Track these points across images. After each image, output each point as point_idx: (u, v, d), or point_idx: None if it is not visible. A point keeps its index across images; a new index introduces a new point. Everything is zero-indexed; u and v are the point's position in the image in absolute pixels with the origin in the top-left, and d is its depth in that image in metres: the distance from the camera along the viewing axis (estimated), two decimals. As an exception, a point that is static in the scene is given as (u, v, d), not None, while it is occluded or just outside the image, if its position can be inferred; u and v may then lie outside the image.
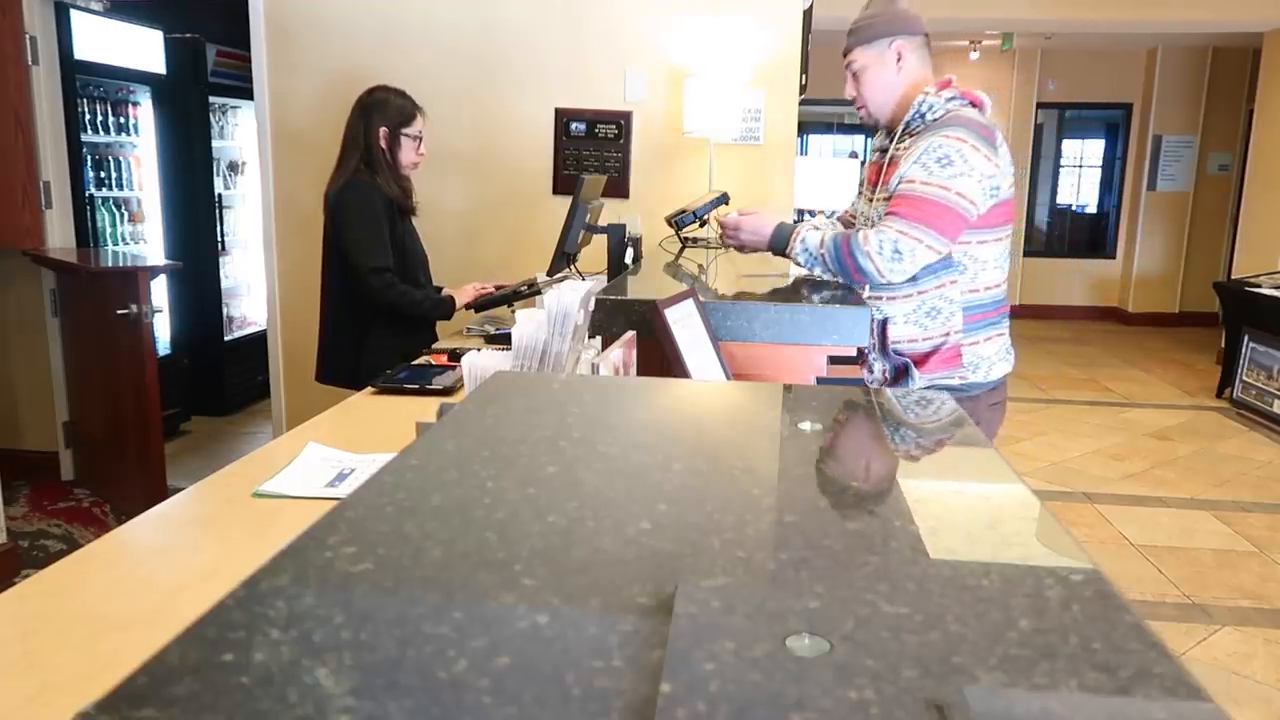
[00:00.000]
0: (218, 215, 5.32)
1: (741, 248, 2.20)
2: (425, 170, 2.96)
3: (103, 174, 4.75)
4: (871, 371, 2.11)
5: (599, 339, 1.61)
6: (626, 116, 3.84)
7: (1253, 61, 8.03)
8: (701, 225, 2.67)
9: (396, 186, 2.76)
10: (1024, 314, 9.53)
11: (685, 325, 1.55)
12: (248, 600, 0.50)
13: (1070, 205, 10.03)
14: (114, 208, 4.83)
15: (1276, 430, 5.43)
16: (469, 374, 1.36)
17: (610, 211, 3.48)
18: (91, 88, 4.59)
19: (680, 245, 2.76)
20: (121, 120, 4.85)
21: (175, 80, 5.01)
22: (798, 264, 2.06)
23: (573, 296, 1.34)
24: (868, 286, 2.03)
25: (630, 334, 1.56)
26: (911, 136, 2.04)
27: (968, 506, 0.74)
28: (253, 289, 5.68)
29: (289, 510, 1.43)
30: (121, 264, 4.04)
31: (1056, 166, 9.86)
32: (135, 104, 4.95)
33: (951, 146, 1.93)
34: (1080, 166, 9.96)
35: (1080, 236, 10.00)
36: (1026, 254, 9.59)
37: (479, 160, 3.92)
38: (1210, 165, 9.02)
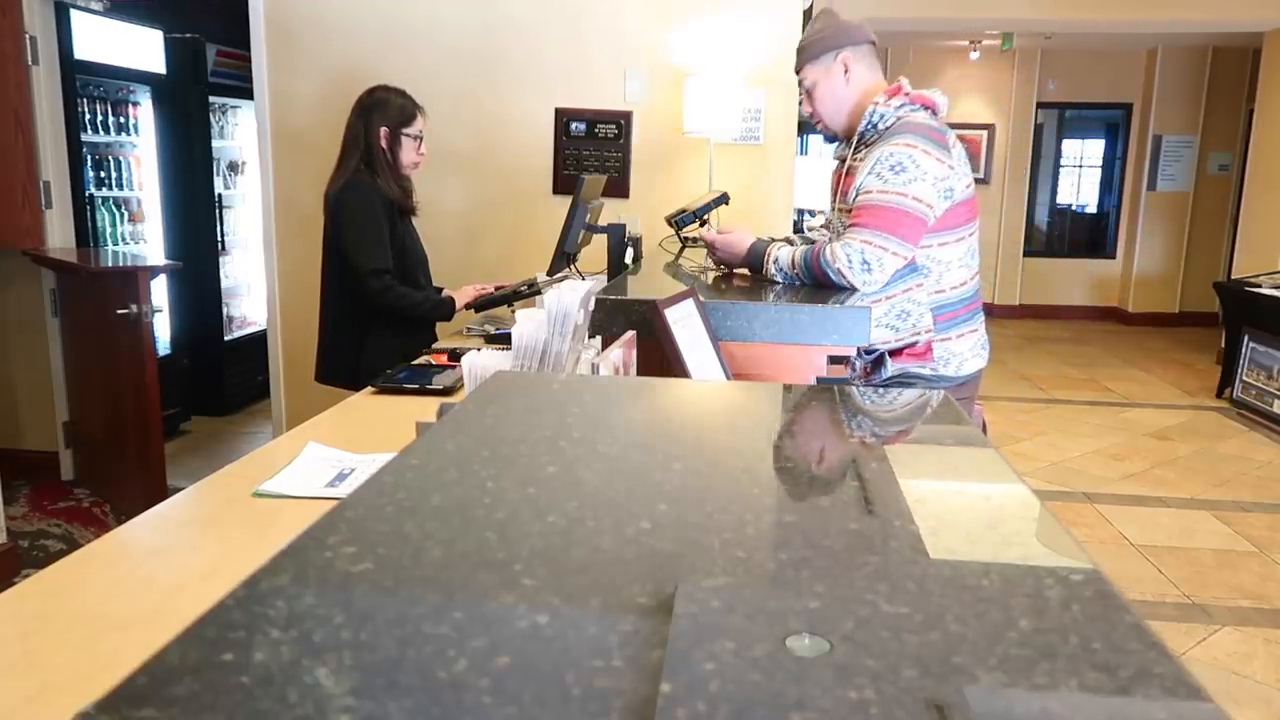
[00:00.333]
0: (218, 215, 5.31)
1: (727, 265, 2.22)
2: (425, 170, 2.96)
3: (103, 174, 4.75)
4: (853, 369, 2.14)
5: (599, 339, 1.61)
6: (626, 116, 3.84)
7: (1253, 61, 8.03)
8: (701, 225, 2.67)
9: (397, 187, 2.75)
10: (1024, 314, 9.53)
11: (685, 325, 1.55)
12: (248, 600, 0.50)
13: (1070, 205, 10.02)
14: (114, 207, 4.83)
15: (1276, 430, 5.43)
16: (469, 374, 1.36)
17: (610, 211, 3.48)
18: (91, 87, 4.59)
19: (680, 245, 2.76)
20: (121, 120, 4.85)
21: (175, 80, 5.01)
22: (776, 281, 2.07)
23: (573, 296, 1.34)
24: None
25: (630, 334, 1.56)
26: (866, 146, 2.09)
27: (968, 506, 0.74)
28: (253, 289, 5.67)
29: (289, 510, 1.43)
30: (121, 264, 4.04)
31: (1056, 166, 9.86)
32: (135, 104, 4.95)
33: (903, 153, 1.97)
34: (1080, 166, 9.96)
35: (1080, 236, 10.00)
36: (1026, 254, 9.60)
37: (479, 160, 3.92)
38: (1210, 165, 9.01)
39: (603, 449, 0.81)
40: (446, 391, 2.13)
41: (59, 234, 4.19)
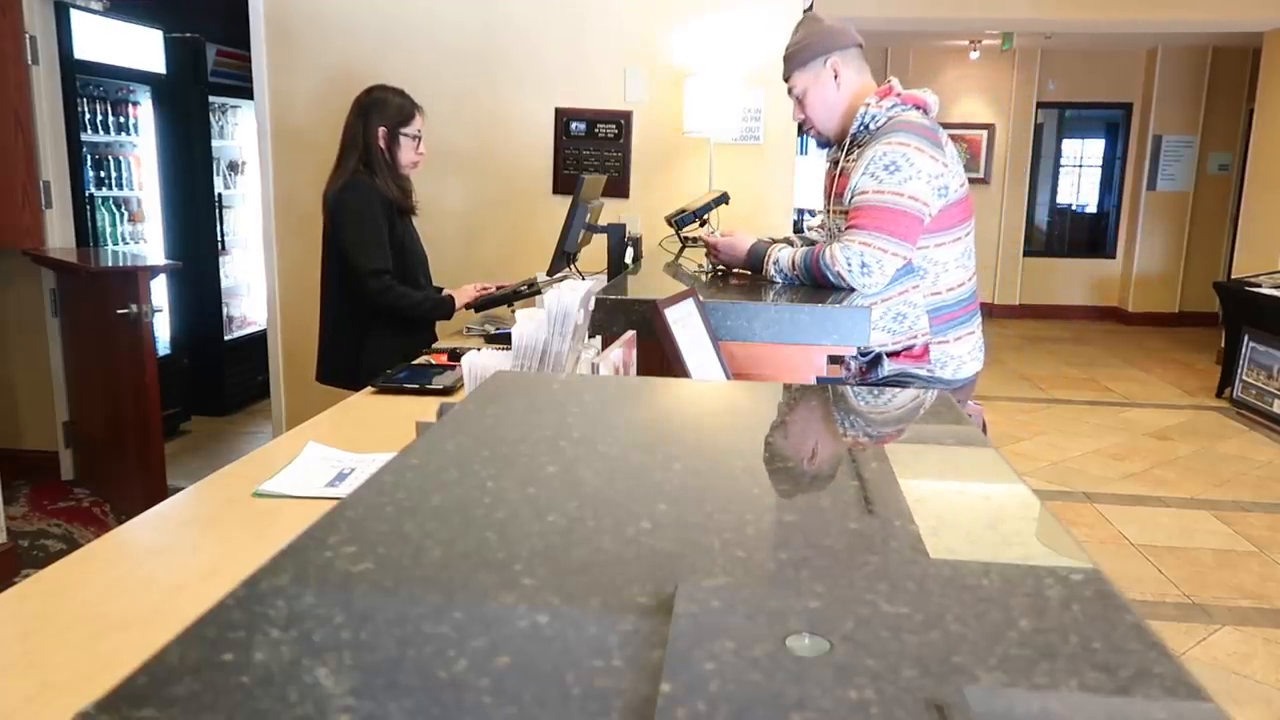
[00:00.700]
0: (217, 215, 5.31)
1: (728, 266, 2.22)
2: (425, 170, 2.96)
3: (103, 174, 4.75)
4: (848, 369, 2.13)
5: (599, 339, 1.61)
6: (626, 116, 3.84)
7: (1253, 61, 8.03)
8: (701, 225, 2.67)
9: (396, 187, 2.75)
10: (1024, 314, 9.53)
11: (685, 325, 1.55)
12: (248, 600, 0.50)
13: (1070, 205, 10.02)
14: (114, 207, 4.83)
15: (1276, 430, 5.43)
16: (469, 374, 1.36)
17: (610, 211, 3.48)
18: (91, 87, 4.59)
19: (680, 245, 2.76)
20: (121, 120, 4.85)
21: (175, 80, 5.00)
22: (776, 282, 2.07)
23: (573, 296, 1.34)
24: None
25: (630, 334, 1.56)
26: (859, 148, 2.08)
27: (968, 506, 0.74)
28: (253, 289, 5.67)
29: (289, 510, 1.43)
30: (121, 264, 4.04)
31: (1056, 166, 9.86)
32: (135, 103, 4.94)
33: (897, 152, 1.96)
34: (1080, 166, 9.95)
35: (1080, 236, 10.00)
36: (1026, 254, 9.60)
37: (479, 160, 3.92)
38: (1210, 165, 9.01)
39: (603, 449, 0.81)
40: (446, 391, 2.13)
41: (59, 234, 4.19)
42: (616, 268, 2.76)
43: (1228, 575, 3.45)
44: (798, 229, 3.83)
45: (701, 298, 1.70)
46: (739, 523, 0.63)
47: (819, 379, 1.75)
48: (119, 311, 3.59)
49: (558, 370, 1.34)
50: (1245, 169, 7.39)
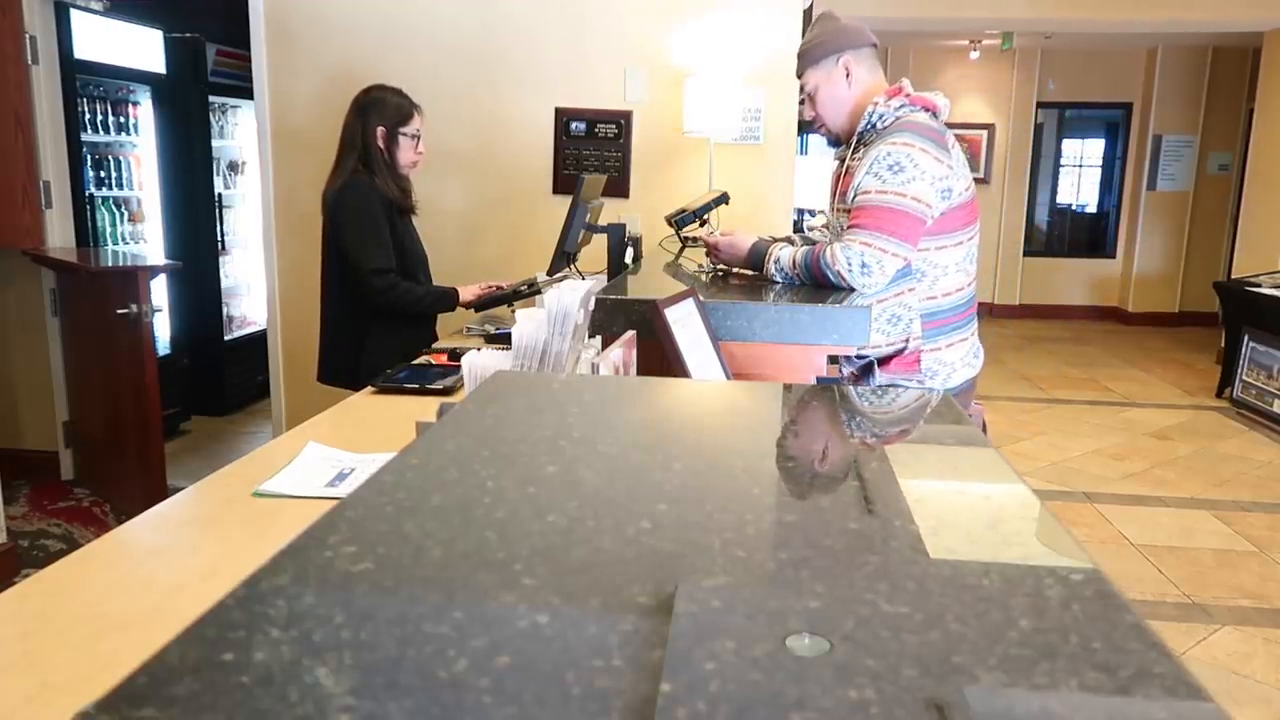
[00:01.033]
0: (217, 215, 5.31)
1: (729, 266, 2.22)
2: (425, 170, 2.96)
3: (103, 173, 4.75)
4: (840, 372, 2.13)
5: (599, 338, 1.61)
6: (626, 116, 3.84)
7: (1253, 61, 8.03)
8: (701, 225, 2.67)
9: (395, 186, 2.75)
10: (1024, 314, 9.53)
11: (685, 325, 1.55)
12: (248, 600, 0.50)
13: (1070, 205, 10.02)
14: (114, 207, 4.83)
15: (1276, 430, 5.43)
16: (469, 374, 1.36)
17: (610, 211, 3.48)
18: (91, 87, 4.59)
19: (680, 245, 2.76)
20: (121, 120, 4.85)
21: (175, 80, 5.00)
22: (776, 282, 2.07)
23: (573, 296, 1.34)
24: None
25: (630, 334, 1.56)
26: (865, 146, 2.07)
27: (968, 506, 0.74)
28: (253, 288, 5.67)
29: (289, 510, 1.43)
30: (121, 263, 4.04)
31: (1056, 166, 9.86)
32: (135, 103, 4.94)
33: (901, 153, 1.96)
34: (1080, 166, 9.95)
35: (1080, 236, 10.00)
36: (1026, 254, 9.60)
37: (479, 159, 3.92)
38: (1210, 165, 9.01)
39: (603, 449, 0.81)
40: (446, 391, 2.13)
41: (59, 234, 4.19)
42: (616, 268, 2.76)
43: (1228, 575, 3.45)
44: (797, 228, 3.84)
45: (701, 298, 1.70)
46: (739, 523, 0.63)
47: (819, 379, 1.75)
48: (119, 311, 3.59)
49: (558, 370, 1.34)
50: (1245, 169, 7.39)
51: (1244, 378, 5.80)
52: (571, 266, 2.66)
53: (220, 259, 5.38)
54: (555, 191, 3.89)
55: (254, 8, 3.86)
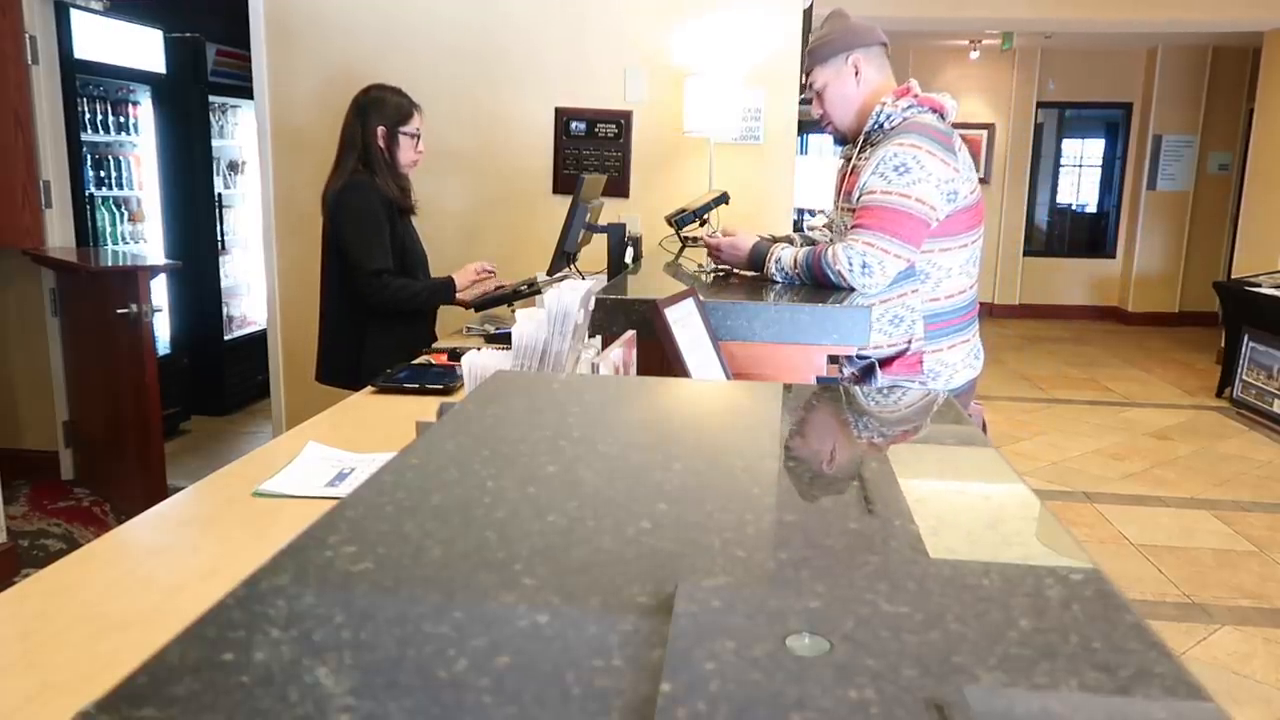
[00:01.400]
0: (217, 214, 5.31)
1: (730, 266, 2.22)
2: (425, 169, 2.95)
3: (103, 173, 4.75)
4: (841, 373, 2.13)
5: (599, 338, 1.61)
6: (626, 116, 3.84)
7: (1253, 61, 8.03)
8: (701, 224, 2.67)
9: (395, 186, 2.75)
10: (1024, 314, 9.53)
11: (685, 325, 1.55)
12: (248, 600, 0.50)
13: (1070, 205, 10.02)
14: (114, 207, 4.83)
15: (1276, 430, 5.43)
16: (469, 373, 1.36)
17: (610, 211, 3.48)
18: (91, 87, 4.59)
19: (680, 245, 2.76)
20: (121, 119, 4.85)
21: (175, 79, 5.00)
22: (776, 281, 2.07)
23: (573, 296, 1.34)
24: None
25: (630, 333, 1.56)
26: (872, 146, 2.07)
27: (968, 506, 0.74)
28: (252, 288, 5.67)
29: (289, 510, 1.43)
30: (121, 263, 4.04)
31: (1056, 166, 9.86)
32: (135, 103, 4.94)
33: (907, 154, 1.95)
34: (1080, 166, 9.95)
35: (1080, 236, 10.00)
36: (1026, 254, 9.60)
37: (479, 159, 3.92)
38: (1210, 165, 9.01)
39: (603, 449, 0.81)
40: (446, 391, 2.13)
41: (59, 233, 4.19)
42: (616, 267, 2.76)
43: (1228, 575, 3.45)
44: (797, 228, 3.83)
45: (701, 298, 1.70)
46: (739, 522, 0.63)
47: (818, 379, 1.74)
48: (119, 311, 3.59)
49: (558, 370, 1.34)
50: (1245, 169, 7.39)
51: (1244, 378, 5.80)
52: (571, 266, 2.66)
53: (220, 259, 5.38)
54: (555, 191, 3.89)
55: (254, 8, 3.86)
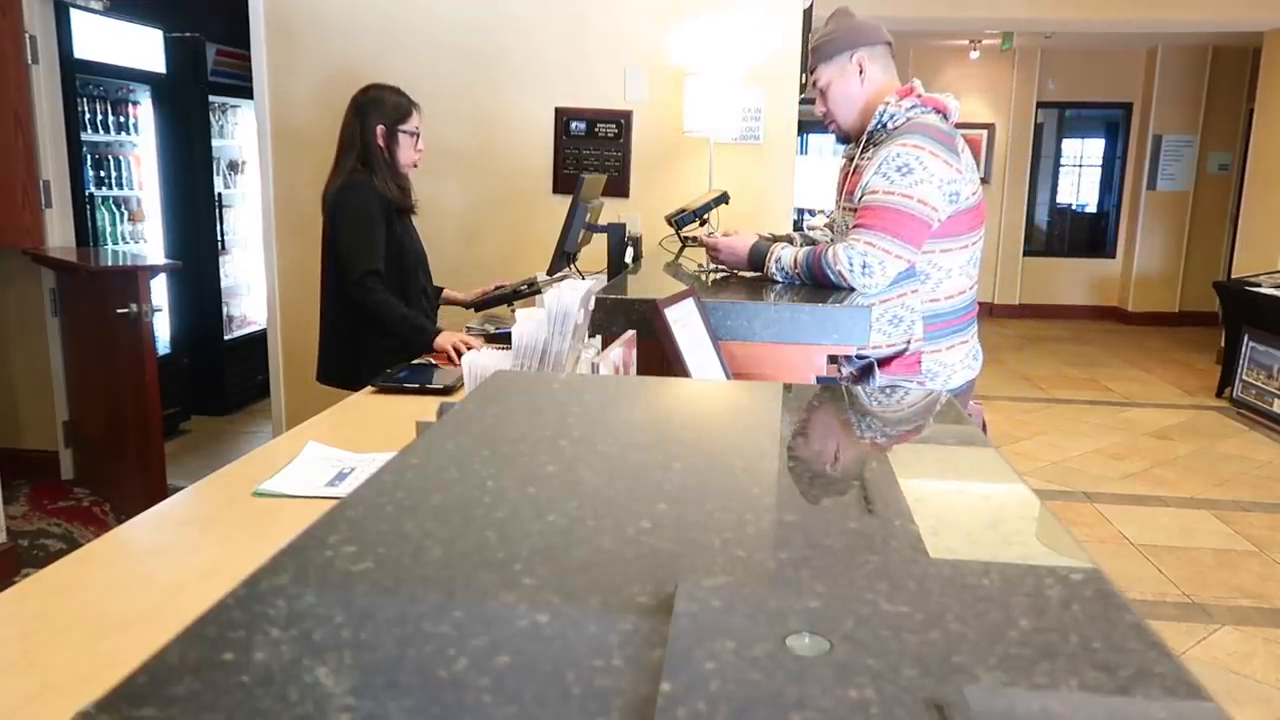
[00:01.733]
0: (217, 214, 5.31)
1: (730, 267, 2.22)
2: (425, 169, 2.95)
3: (102, 173, 4.75)
4: (840, 372, 2.13)
5: (599, 338, 1.61)
6: (626, 116, 3.83)
7: (1253, 61, 8.03)
8: (701, 224, 2.67)
9: (395, 186, 2.74)
10: (1024, 314, 9.53)
11: (685, 325, 1.55)
12: (248, 599, 0.50)
13: (1070, 205, 10.02)
14: (114, 207, 4.83)
15: (1276, 430, 5.43)
16: (469, 373, 1.36)
17: (610, 211, 3.47)
18: (91, 87, 4.59)
19: (680, 245, 2.76)
20: (121, 119, 4.85)
21: (175, 79, 5.00)
22: (776, 281, 2.07)
23: (573, 296, 1.34)
24: None
25: (630, 333, 1.56)
26: (875, 145, 2.07)
27: (968, 506, 0.74)
28: (252, 288, 5.67)
29: (289, 509, 1.43)
30: (121, 263, 4.04)
31: (1056, 166, 9.86)
32: (135, 103, 4.94)
33: (910, 154, 1.95)
34: (1080, 166, 9.95)
35: (1080, 236, 10.00)
36: (1026, 254, 9.60)
37: (479, 159, 3.92)
38: (1210, 165, 9.01)
39: (603, 449, 0.81)
40: (446, 391, 2.13)
41: (59, 233, 4.19)
42: (616, 267, 2.76)
43: (1228, 575, 3.45)
44: (797, 228, 3.83)
45: (701, 297, 1.70)
46: (739, 522, 0.63)
47: (818, 379, 1.74)
48: (119, 311, 3.59)
49: (558, 370, 1.34)
50: (1245, 169, 7.39)
51: (1244, 377, 5.80)
52: (571, 266, 2.66)
53: (220, 259, 5.38)
54: (555, 191, 3.89)
55: (254, 7, 3.86)
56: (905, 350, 2.06)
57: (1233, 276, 6.86)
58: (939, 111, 2.06)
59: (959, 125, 2.11)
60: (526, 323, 1.33)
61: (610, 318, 1.70)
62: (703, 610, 0.50)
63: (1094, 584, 0.54)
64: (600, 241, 2.80)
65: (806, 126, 4.09)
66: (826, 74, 2.13)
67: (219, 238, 5.33)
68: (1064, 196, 9.98)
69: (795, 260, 2.02)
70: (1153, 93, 8.95)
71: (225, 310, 5.49)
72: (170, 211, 5.14)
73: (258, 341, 4.94)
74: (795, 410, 1.00)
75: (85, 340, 4.08)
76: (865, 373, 2.09)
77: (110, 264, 4.03)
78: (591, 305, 1.49)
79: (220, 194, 5.35)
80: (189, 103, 5.08)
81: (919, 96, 2.05)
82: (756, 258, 2.11)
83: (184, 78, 5.03)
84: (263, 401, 4.81)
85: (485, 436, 0.82)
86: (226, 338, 5.45)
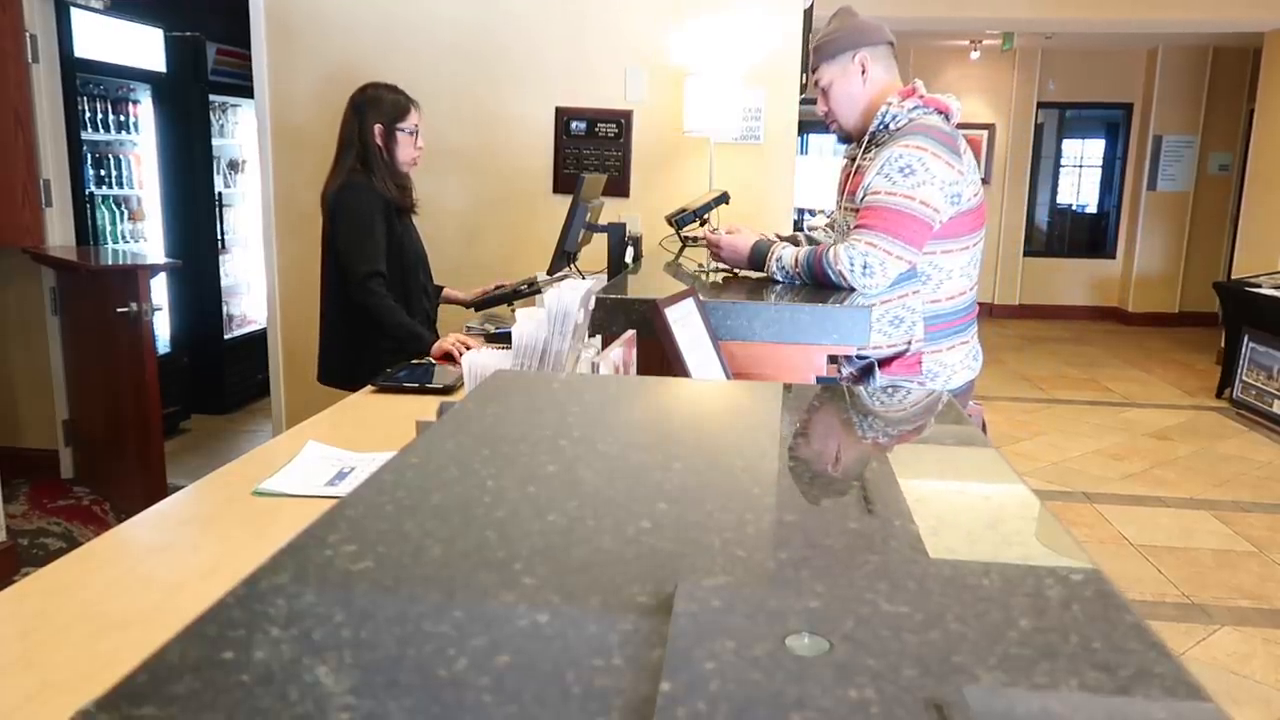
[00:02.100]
0: (218, 213, 5.31)
1: (730, 265, 2.22)
2: (425, 169, 2.95)
3: (103, 172, 4.75)
4: (840, 372, 2.13)
5: (599, 338, 1.61)
6: (627, 115, 3.83)
7: (1253, 61, 8.03)
8: (702, 224, 2.67)
9: (394, 185, 2.74)
10: (1024, 314, 9.53)
11: (685, 324, 1.55)
12: (248, 598, 0.50)
13: (1070, 205, 10.02)
14: (114, 206, 4.83)
15: (1276, 430, 5.43)
16: (469, 373, 1.36)
17: (610, 210, 3.47)
18: (92, 86, 4.58)
19: (680, 244, 2.76)
20: (122, 118, 4.84)
21: (175, 78, 5.00)
22: (777, 281, 2.06)
23: (573, 295, 1.34)
24: None
25: (630, 333, 1.56)
26: (877, 146, 2.07)
27: (968, 506, 0.74)
28: (252, 287, 5.67)
29: (289, 509, 1.43)
30: (121, 262, 4.04)
31: (1056, 166, 9.86)
32: (135, 102, 4.94)
33: (913, 155, 1.95)
34: (1080, 166, 9.95)
35: (1080, 236, 10.00)
36: (1026, 254, 9.60)
37: (479, 159, 3.92)
38: (1210, 165, 9.01)
39: (603, 448, 0.81)
40: (446, 391, 2.13)
41: (59, 232, 4.19)
42: (616, 267, 2.76)
43: (1227, 575, 3.45)
44: (798, 228, 3.83)
45: (701, 297, 1.70)
46: (739, 522, 0.63)
47: (818, 379, 1.74)
48: (119, 310, 3.59)
49: (558, 370, 1.34)
50: (1245, 169, 7.39)
51: (1244, 378, 5.80)
52: (571, 266, 2.66)
53: (220, 257, 5.38)
54: (555, 191, 3.89)
55: (254, 6, 3.86)
56: (906, 351, 2.06)
57: (1233, 277, 6.86)
58: (941, 112, 2.06)
59: (959, 126, 2.11)
60: (526, 322, 1.33)
61: (610, 317, 1.70)
62: (703, 610, 0.50)
63: (1094, 584, 0.54)
64: (600, 241, 2.80)
65: (807, 126, 4.08)
66: (829, 73, 2.13)
67: (219, 237, 5.33)
68: (1064, 197, 9.98)
69: (796, 260, 2.02)
70: (1153, 93, 8.95)
71: (225, 309, 5.49)
72: (170, 210, 5.14)
73: (258, 340, 4.94)
74: (795, 410, 1.00)
75: (85, 339, 4.08)
76: (865, 373, 2.09)
77: (110, 263, 4.03)
78: (591, 305, 1.49)
79: (220, 193, 5.35)
80: (189, 102, 5.08)
81: (921, 97, 2.05)
82: (757, 257, 2.11)
83: (184, 76, 5.03)
84: (263, 400, 4.82)
85: (485, 436, 0.82)
86: (226, 337, 5.45)
